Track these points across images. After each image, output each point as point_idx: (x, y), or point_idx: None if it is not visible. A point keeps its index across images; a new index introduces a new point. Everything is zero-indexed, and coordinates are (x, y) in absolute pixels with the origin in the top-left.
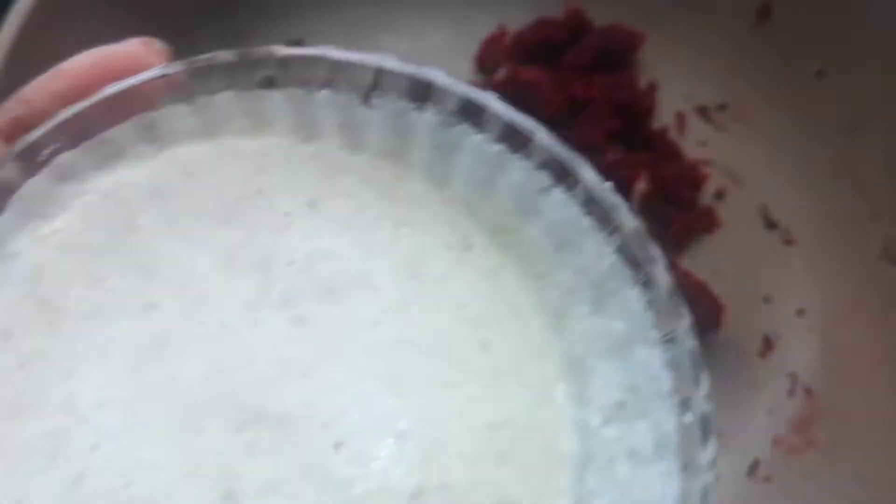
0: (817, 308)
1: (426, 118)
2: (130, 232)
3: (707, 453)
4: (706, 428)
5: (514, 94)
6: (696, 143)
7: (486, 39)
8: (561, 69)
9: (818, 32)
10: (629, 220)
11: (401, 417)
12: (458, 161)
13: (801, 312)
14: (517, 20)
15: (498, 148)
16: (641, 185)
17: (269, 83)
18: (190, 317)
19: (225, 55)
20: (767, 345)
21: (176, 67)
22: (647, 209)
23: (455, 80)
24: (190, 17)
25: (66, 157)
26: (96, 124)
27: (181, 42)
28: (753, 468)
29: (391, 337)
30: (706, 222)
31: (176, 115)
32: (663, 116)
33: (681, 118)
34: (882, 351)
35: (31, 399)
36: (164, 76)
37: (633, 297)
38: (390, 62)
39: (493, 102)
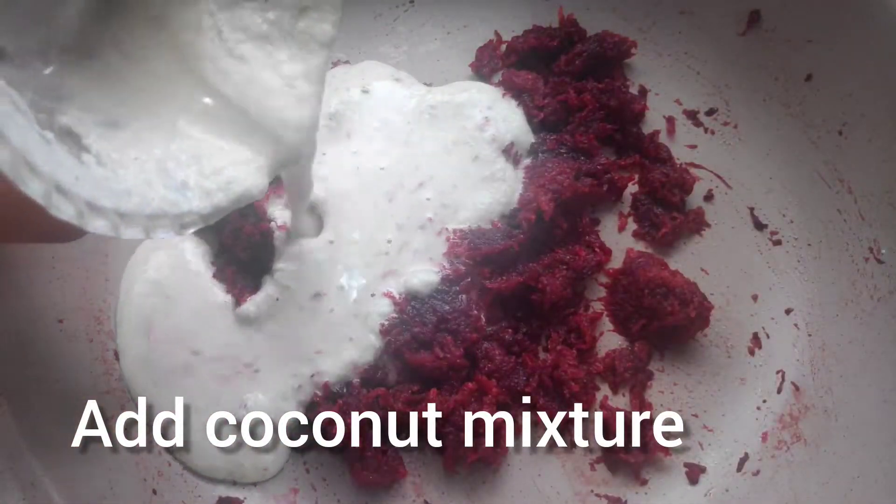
0: (805, 307)
1: None
2: None
3: None
4: None
5: (509, 98)
6: (686, 146)
7: (482, 46)
8: (554, 75)
9: (807, 37)
10: None
11: None
12: None
13: (788, 311)
14: (512, 28)
15: None
16: (632, 188)
17: None
18: None
19: None
20: (756, 342)
21: None
22: (638, 211)
23: None
24: None
25: None
26: None
27: None
28: (742, 463)
29: None
30: (695, 223)
31: None
32: (653, 121)
33: (671, 122)
34: (868, 348)
35: None
36: None
37: None
38: None
39: None
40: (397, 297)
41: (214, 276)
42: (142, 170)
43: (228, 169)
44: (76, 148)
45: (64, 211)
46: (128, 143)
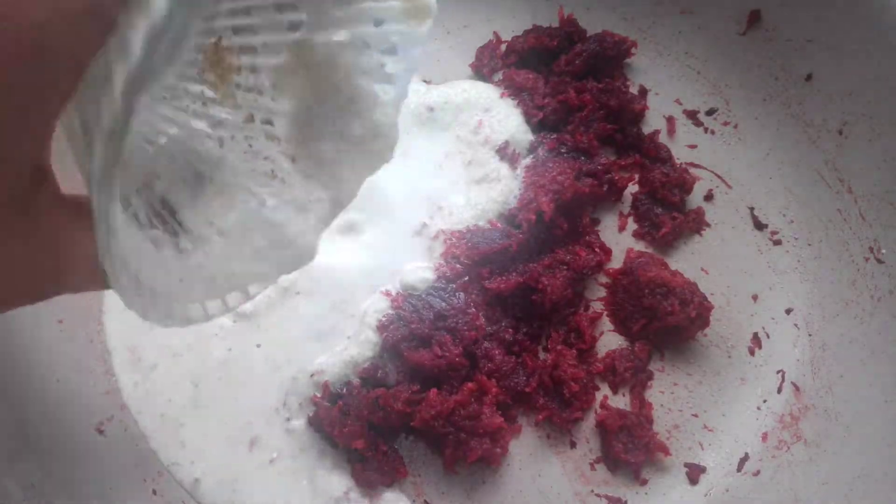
0: (805, 306)
1: None
2: None
3: None
4: None
5: (509, 98)
6: (686, 146)
7: (482, 46)
8: (554, 74)
9: (807, 37)
10: None
11: None
12: None
13: (789, 311)
14: (512, 28)
15: None
16: (632, 188)
17: None
18: None
19: None
20: (756, 342)
21: None
22: (638, 211)
23: None
24: None
25: None
26: None
27: None
28: (742, 463)
29: None
30: (696, 223)
31: None
32: (654, 120)
33: (671, 122)
34: (868, 348)
35: None
36: None
37: None
38: None
39: None
40: (393, 293)
41: None
42: (224, 243)
43: (300, 239)
44: (174, 229)
45: (170, 323)
46: (210, 206)
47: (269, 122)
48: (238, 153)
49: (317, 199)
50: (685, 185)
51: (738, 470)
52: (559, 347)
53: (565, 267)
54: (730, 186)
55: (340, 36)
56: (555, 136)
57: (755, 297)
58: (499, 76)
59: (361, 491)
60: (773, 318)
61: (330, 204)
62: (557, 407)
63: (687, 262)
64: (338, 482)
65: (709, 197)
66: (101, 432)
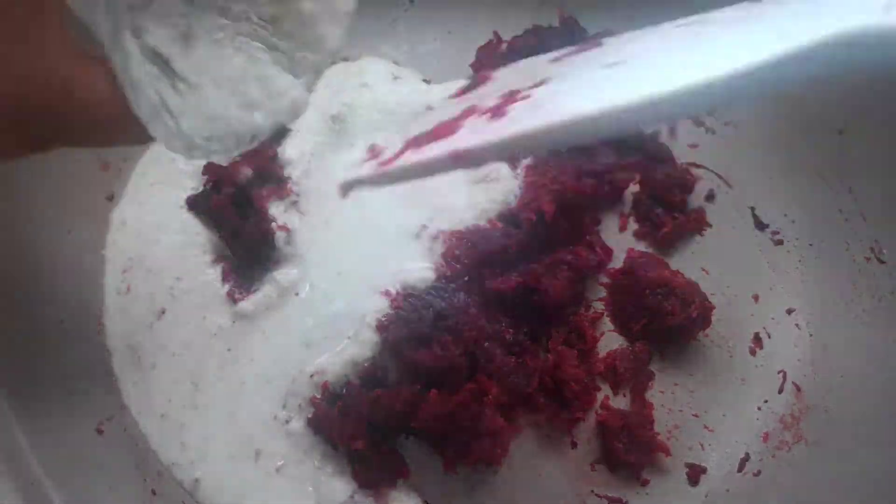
0: (806, 307)
1: None
2: None
3: None
4: None
5: None
6: (687, 146)
7: (482, 46)
8: None
9: None
10: None
11: None
12: None
13: (790, 311)
14: (512, 27)
15: None
16: (633, 188)
17: None
18: None
19: None
20: (757, 343)
21: None
22: (639, 211)
23: None
24: None
25: None
26: None
27: None
28: (743, 463)
29: None
30: (697, 223)
31: None
32: None
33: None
34: (869, 348)
35: None
36: None
37: None
38: None
39: None
40: (393, 293)
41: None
42: (219, 91)
43: (292, 91)
44: (170, 74)
45: (176, 148)
46: (201, 60)
47: None
48: (220, 12)
49: (301, 55)
50: (686, 185)
51: (739, 470)
52: (560, 348)
53: (566, 267)
54: (731, 186)
55: None
56: None
57: (756, 298)
58: None
59: (366, 492)
60: (774, 319)
61: (313, 60)
62: (558, 407)
63: (688, 262)
64: (342, 486)
65: (710, 197)
66: (101, 432)
